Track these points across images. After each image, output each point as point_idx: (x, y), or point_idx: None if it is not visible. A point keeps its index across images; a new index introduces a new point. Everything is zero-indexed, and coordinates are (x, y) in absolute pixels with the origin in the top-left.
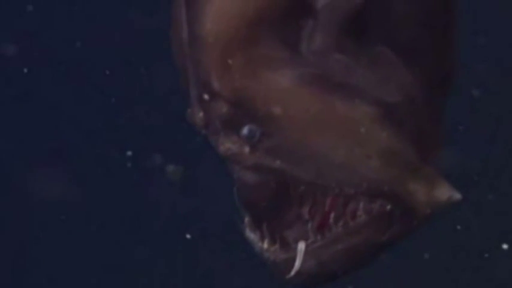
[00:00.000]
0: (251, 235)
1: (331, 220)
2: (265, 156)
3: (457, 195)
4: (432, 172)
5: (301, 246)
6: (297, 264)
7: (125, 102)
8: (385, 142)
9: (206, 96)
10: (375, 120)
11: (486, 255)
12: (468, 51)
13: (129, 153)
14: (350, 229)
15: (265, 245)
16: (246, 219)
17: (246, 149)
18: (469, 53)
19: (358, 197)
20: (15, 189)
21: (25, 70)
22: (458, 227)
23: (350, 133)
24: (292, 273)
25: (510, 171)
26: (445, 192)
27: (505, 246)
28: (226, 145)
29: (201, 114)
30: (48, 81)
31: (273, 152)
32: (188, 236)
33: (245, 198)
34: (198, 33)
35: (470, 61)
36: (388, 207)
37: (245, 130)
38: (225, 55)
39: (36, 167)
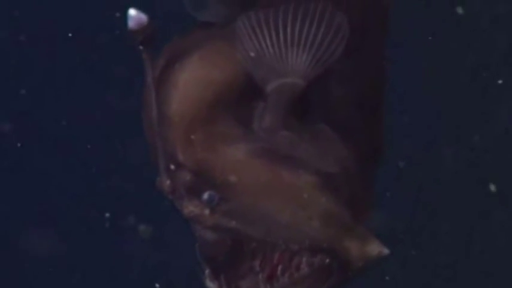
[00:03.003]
0: (211, 285)
1: (279, 272)
2: (222, 218)
3: (386, 251)
4: (364, 231)
5: None
6: None
7: (103, 172)
8: (324, 206)
9: (172, 167)
10: (316, 188)
11: None
12: (394, 128)
13: (107, 214)
14: (295, 280)
15: None
16: (207, 271)
17: (206, 212)
18: (395, 130)
19: (302, 252)
20: (10, 246)
21: (19, 144)
22: (387, 278)
23: (294, 198)
24: None
25: (429, 231)
26: (375, 248)
27: None
28: (190, 208)
29: (168, 182)
30: (39, 154)
31: (230, 214)
32: (157, 286)
33: (205, 253)
34: (165, 113)
35: (396, 137)
36: (327, 260)
37: (205, 195)
38: (188, 132)
39: (28, 227)
